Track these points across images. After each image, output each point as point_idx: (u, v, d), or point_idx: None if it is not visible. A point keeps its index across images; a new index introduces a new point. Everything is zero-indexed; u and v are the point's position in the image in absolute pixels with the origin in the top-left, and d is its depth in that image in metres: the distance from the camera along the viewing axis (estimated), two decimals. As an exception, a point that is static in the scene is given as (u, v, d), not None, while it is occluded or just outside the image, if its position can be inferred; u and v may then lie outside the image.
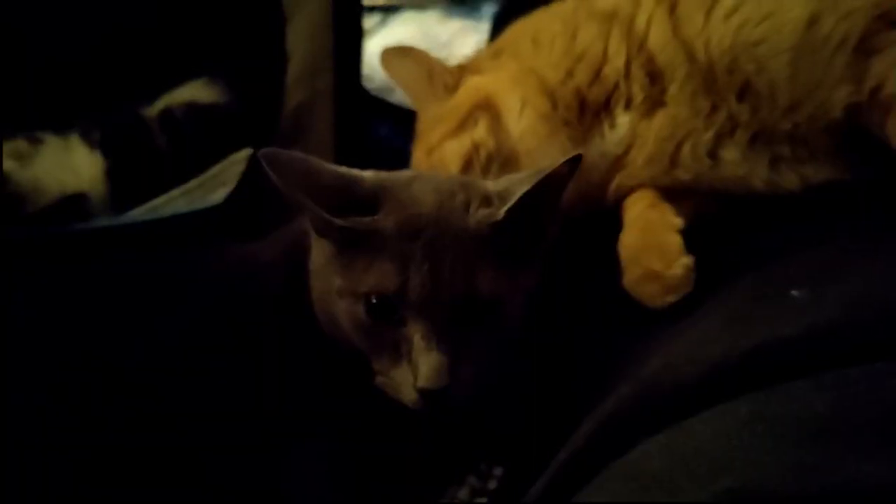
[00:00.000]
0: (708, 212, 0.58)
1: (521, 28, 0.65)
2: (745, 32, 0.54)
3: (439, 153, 0.60)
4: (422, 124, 0.65)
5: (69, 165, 0.65)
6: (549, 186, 0.47)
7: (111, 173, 0.67)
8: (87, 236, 0.64)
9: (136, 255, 0.58)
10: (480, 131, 0.58)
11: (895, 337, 0.38)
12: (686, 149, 0.56)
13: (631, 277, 0.52)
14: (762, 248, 0.51)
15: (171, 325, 0.51)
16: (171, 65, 0.73)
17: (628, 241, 0.55)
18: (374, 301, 0.45)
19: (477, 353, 0.46)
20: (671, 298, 0.50)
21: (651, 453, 0.36)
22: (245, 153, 0.67)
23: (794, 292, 0.43)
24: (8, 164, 0.62)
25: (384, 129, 0.99)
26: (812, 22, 0.53)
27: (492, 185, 0.51)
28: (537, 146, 0.58)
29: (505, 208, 0.46)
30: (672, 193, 0.57)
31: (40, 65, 0.66)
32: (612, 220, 0.59)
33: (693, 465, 0.32)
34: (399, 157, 0.71)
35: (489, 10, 1.79)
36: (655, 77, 0.57)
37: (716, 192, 0.57)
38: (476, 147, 0.58)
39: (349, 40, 0.67)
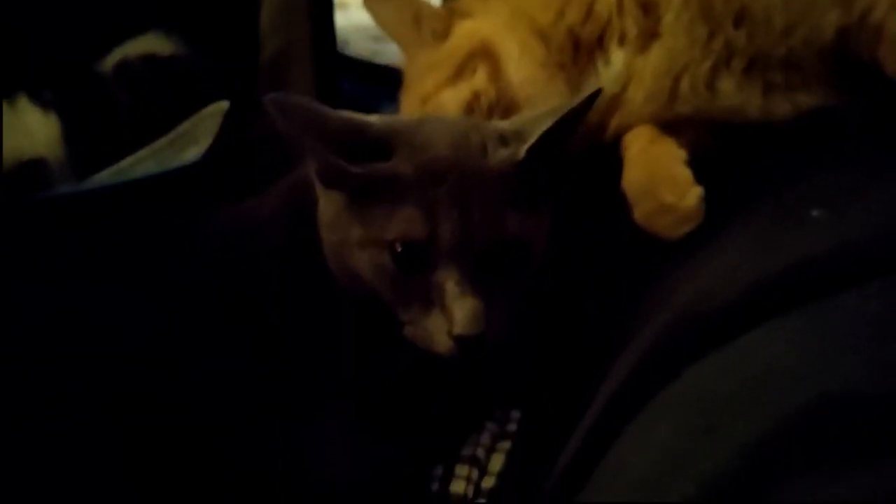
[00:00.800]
0: (705, 143, 0.58)
1: None
2: None
3: (436, 102, 0.57)
4: (411, 71, 0.62)
5: (22, 130, 0.59)
6: (566, 124, 0.46)
7: (68, 135, 0.61)
8: (51, 204, 0.58)
9: (123, 221, 0.53)
10: (480, 80, 0.56)
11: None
12: (684, 81, 0.55)
13: (643, 211, 0.52)
14: (768, 175, 0.52)
15: (175, 292, 0.47)
16: (122, 15, 0.67)
17: (634, 176, 0.54)
18: (400, 249, 0.43)
19: (507, 295, 0.45)
20: (687, 228, 0.50)
21: (709, 376, 0.36)
22: (218, 107, 0.63)
23: (815, 212, 0.44)
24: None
25: (345, 83, 0.95)
26: None
27: (503, 125, 0.49)
28: (536, 92, 0.57)
29: (526, 146, 0.45)
30: (669, 127, 0.57)
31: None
32: (608, 158, 0.59)
33: (768, 380, 0.32)
34: (365, 111, 0.68)
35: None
36: (649, 8, 0.56)
37: (712, 123, 0.57)
38: (477, 96, 0.56)
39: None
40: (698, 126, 0.58)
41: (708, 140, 0.58)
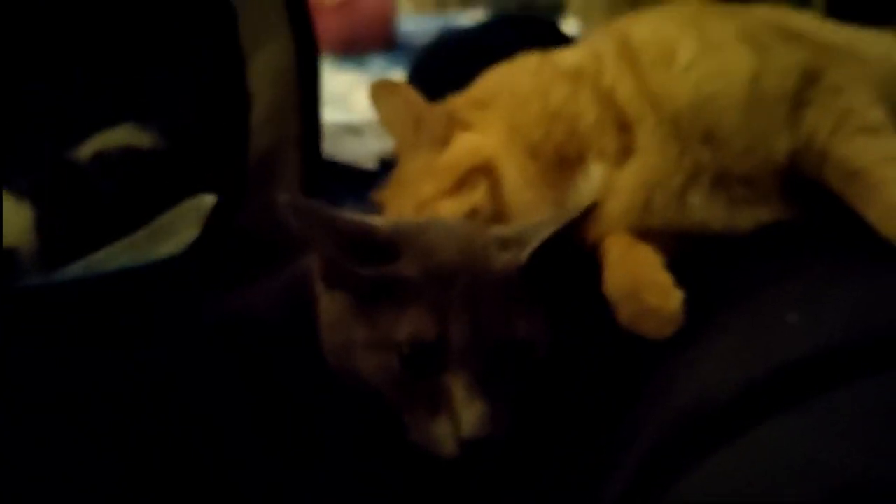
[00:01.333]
0: (674, 251, 0.62)
1: (497, 80, 0.67)
2: (703, 86, 0.60)
3: (433, 209, 0.59)
4: (406, 172, 0.64)
5: (-7, 218, 0.57)
6: (563, 231, 0.49)
7: (42, 224, 0.59)
8: (20, 296, 0.55)
9: (101, 314, 0.51)
10: (480, 197, 0.59)
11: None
12: (658, 195, 0.60)
13: (627, 314, 0.55)
14: (742, 281, 0.56)
15: (172, 392, 0.45)
16: (98, 105, 0.67)
17: (617, 280, 0.57)
18: (409, 351, 0.43)
19: (512, 396, 0.45)
20: (670, 330, 0.52)
21: (720, 476, 0.37)
22: (201, 200, 0.62)
23: (790, 317, 0.48)
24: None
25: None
26: (755, 78, 0.60)
27: (501, 230, 0.52)
28: (527, 208, 0.60)
29: (528, 251, 0.47)
30: (641, 236, 0.61)
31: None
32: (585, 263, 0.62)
33: (782, 477, 0.34)
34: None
35: (377, 63, 1.84)
36: (625, 127, 0.61)
37: (678, 234, 0.62)
38: (475, 210, 0.59)
39: (311, 82, 0.65)
40: (667, 236, 0.62)
41: (676, 249, 0.62)
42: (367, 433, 0.46)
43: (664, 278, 0.55)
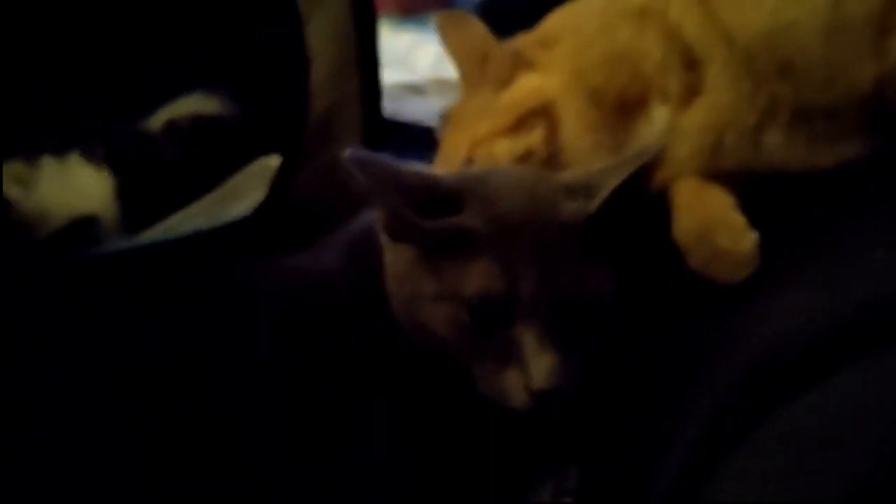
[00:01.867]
0: (749, 191, 0.59)
1: (564, 19, 0.64)
2: (779, 15, 0.56)
3: (487, 147, 0.59)
4: (466, 108, 0.63)
5: (74, 187, 0.60)
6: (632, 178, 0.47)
7: (122, 192, 0.62)
8: (101, 261, 0.58)
9: (176, 276, 0.53)
10: (537, 139, 0.58)
11: None
12: (729, 137, 0.57)
13: (699, 258, 0.53)
14: (821, 217, 0.52)
15: (241, 352, 0.47)
16: (170, 76, 0.69)
17: (687, 224, 0.55)
18: (478, 304, 0.43)
19: (580, 348, 0.45)
20: (745, 272, 0.50)
21: (806, 419, 0.36)
22: (265, 162, 0.64)
23: (879, 253, 0.45)
24: (9, 190, 0.57)
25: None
26: (836, 3, 0.55)
27: (567, 177, 0.51)
28: (584, 155, 0.58)
29: (597, 201, 0.46)
30: (714, 178, 0.58)
31: (32, 80, 0.61)
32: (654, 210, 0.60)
33: (870, 420, 0.32)
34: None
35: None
36: (693, 66, 0.58)
37: (753, 175, 0.58)
38: (530, 152, 0.58)
39: (370, 41, 0.65)
40: (741, 178, 0.59)
41: (751, 189, 0.59)
42: (433, 390, 0.46)
43: (737, 219, 0.53)
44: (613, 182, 0.46)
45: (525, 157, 0.58)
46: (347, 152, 0.43)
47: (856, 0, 0.56)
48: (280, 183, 0.61)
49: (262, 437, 0.46)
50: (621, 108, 0.59)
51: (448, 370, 0.45)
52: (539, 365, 0.41)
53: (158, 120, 0.68)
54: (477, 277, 0.43)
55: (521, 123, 0.58)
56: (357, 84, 0.62)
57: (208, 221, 0.63)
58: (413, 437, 0.48)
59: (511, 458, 0.52)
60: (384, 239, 0.48)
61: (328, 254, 0.53)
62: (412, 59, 1.51)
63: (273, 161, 0.62)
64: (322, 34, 0.62)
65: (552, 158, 0.58)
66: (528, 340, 0.42)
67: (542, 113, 0.59)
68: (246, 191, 0.64)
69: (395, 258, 0.47)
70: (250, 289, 0.51)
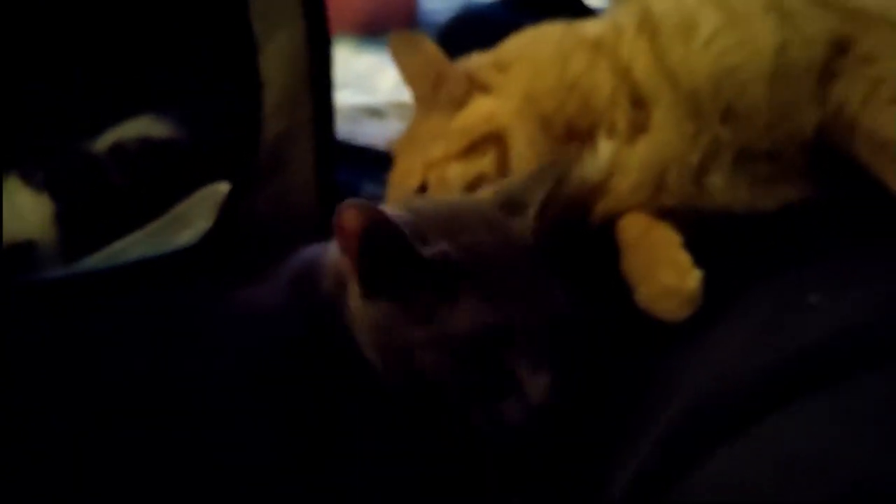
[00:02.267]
0: (691, 232, 0.60)
1: (520, 44, 0.65)
2: (725, 60, 0.57)
3: (440, 171, 0.59)
4: (420, 129, 0.64)
5: (12, 211, 0.58)
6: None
7: (62, 217, 0.60)
8: (39, 288, 0.56)
9: (117, 306, 0.51)
10: (487, 164, 0.59)
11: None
12: (672, 174, 0.58)
13: (646, 294, 0.53)
14: (762, 261, 0.54)
15: (188, 386, 0.45)
16: (118, 97, 0.67)
17: (635, 260, 0.56)
18: (473, 341, 0.42)
19: (567, 368, 0.45)
20: (688, 311, 0.51)
21: (735, 465, 0.36)
22: (215, 188, 0.62)
23: (812, 298, 0.46)
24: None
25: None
26: (781, 49, 0.57)
27: (488, 195, 0.52)
28: None
29: (531, 212, 0.47)
30: (660, 215, 0.59)
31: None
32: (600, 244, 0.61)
33: (797, 469, 0.33)
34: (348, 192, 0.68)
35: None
36: (640, 104, 0.59)
37: (698, 213, 0.60)
38: (481, 177, 0.58)
39: (324, 68, 0.65)
40: (686, 216, 0.60)
41: (697, 229, 0.61)
42: (394, 428, 0.46)
43: (682, 257, 0.54)
44: (539, 194, 0.48)
45: (476, 182, 0.58)
46: (346, 203, 0.42)
47: (799, 47, 0.57)
48: (229, 210, 0.59)
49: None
50: (569, 136, 0.60)
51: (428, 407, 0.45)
52: (535, 383, 0.42)
53: (105, 142, 0.66)
54: (469, 314, 0.42)
55: (473, 148, 0.59)
56: (310, 111, 0.62)
57: (154, 248, 0.61)
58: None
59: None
60: (354, 297, 0.46)
61: (273, 290, 0.51)
62: (372, 81, 1.50)
63: (222, 187, 0.61)
64: (275, 61, 0.62)
65: (501, 182, 0.59)
66: (523, 364, 0.43)
67: (494, 138, 0.59)
68: (194, 218, 0.63)
69: (371, 312, 0.45)
70: (194, 320, 0.50)
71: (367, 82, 1.48)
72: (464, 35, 1.25)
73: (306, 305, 0.48)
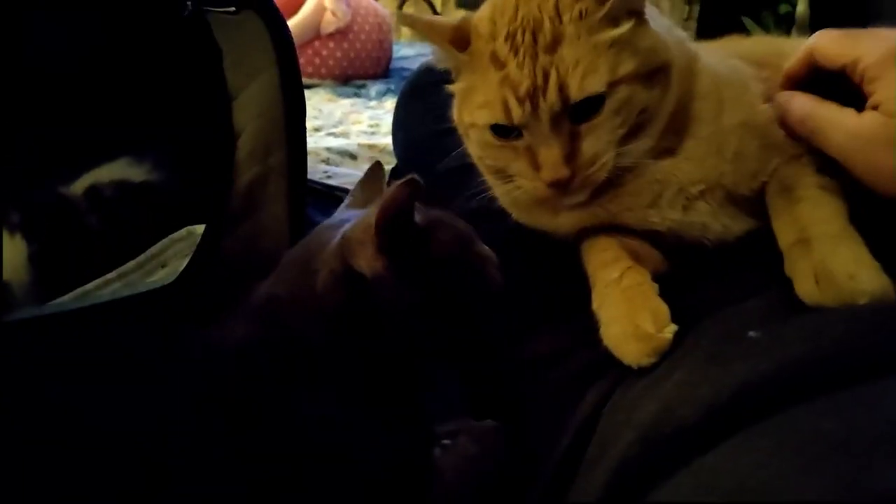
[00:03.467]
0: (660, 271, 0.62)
1: None
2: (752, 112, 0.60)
3: None
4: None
5: (-15, 252, 0.59)
6: None
7: (36, 259, 0.60)
8: (10, 328, 0.57)
9: (88, 344, 0.52)
10: None
11: (855, 365, 0.43)
12: (669, 195, 0.58)
13: (615, 333, 0.53)
14: (710, 296, 0.56)
15: (154, 428, 0.46)
16: (96, 141, 0.69)
17: (611, 298, 0.56)
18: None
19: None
20: (653, 360, 0.51)
21: (681, 496, 0.38)
22: (189, 231, 0.64)
23: (752, 333, 0.48)
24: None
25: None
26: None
27: None
28: None
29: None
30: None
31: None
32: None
33: (741, 499, 0.35)
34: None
35: (377, 89, 1.87)
36: (679, 132, 0.59)
37: (671, 241, 0.61)
38: None
39: (297, 115, 0.67)
40: (660, 241, 0.61)
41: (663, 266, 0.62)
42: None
43: (662, 308, 0.53)
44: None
45: None
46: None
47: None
48: (203, 252, 0.61)
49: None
50: None
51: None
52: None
53: (82, 184, 0.68)
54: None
55: None
56: (283, 157, 0.64)
57: (127, 289, 0.62)
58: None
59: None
60: (368, 259, 0.54)
61: (237, 327, 0.53)
62: (347, 125, 1.54)
63: (197, 231, 0.63)
64: (249, 110, 0.64)
65: None
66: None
67: None
68: (167, 259, 0.64)
69: (388, 260, 0.55)
70: (165, 358, 0.51)
71: (342, 126, 1.52)
72: (432, 82, 1.29)
73: (271, 337, 0.51)
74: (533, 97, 0.51)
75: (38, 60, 0.70)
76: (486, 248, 0.61)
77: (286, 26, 0.70)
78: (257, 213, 0.63)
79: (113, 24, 0.73)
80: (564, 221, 0.60)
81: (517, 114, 0.52)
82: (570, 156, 0.52)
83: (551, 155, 0.52)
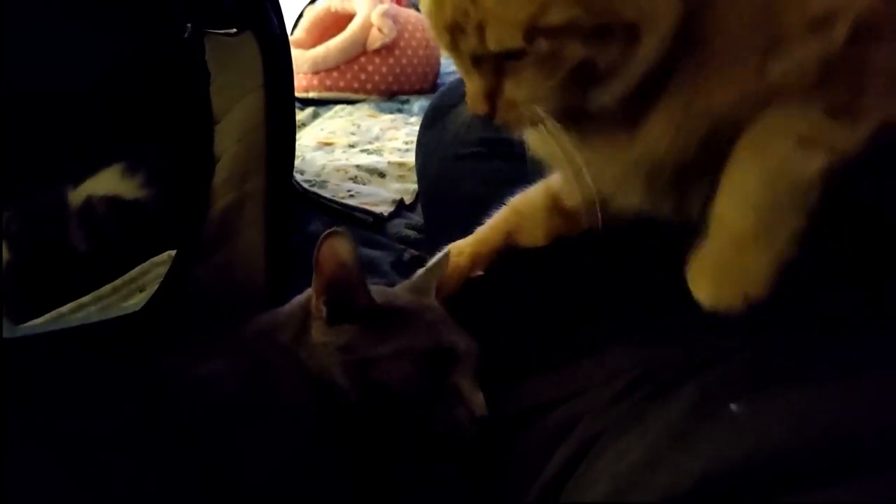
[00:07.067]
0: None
1: None
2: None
3: None
4: None
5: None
6: None
7: (13, 268, 0.61)
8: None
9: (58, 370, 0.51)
10: None
11: (842, 458, 0.37)
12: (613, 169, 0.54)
13: None
14: (693, 360, 0.51)
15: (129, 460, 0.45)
16: (93, 146, 0.69)
17: None
18: (429, 354, 0.52)
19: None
20: None
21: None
22: (168, 255, 0.63)
23: (733, 406, 0.43)
24: None
25: (315, 224, 0.96)
26: None
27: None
28: None
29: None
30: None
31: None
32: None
33: None
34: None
35: (420, 104, 1.85)
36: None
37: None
38: None
39: (282, 140, 0.65)
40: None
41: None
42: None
43: None
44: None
45: None
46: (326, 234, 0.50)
47: None
48: (173, 278, 0.60)
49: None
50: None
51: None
52: (477, 397, 0.52)
53: (80, 195, 0.68)
54: (424, 333, 0.53)
55: None
56: (262, 183, 0.62)
57: (101, 313, 0.62)
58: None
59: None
60: (318, 331, 0.53)
61: (218, 354, 0.51)
62: (385, 139, 1.53)
63: (167, 255, 0.62)
64: (230, 135, 0.63)
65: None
66: (466, 383, 0.52)
67: None
68: (146, 283, 0.63)
69: (337, 336, 0.52)
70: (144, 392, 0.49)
71: (377, 143, 1.50)
72: (450, 105, 1.27)
73: (251, 370, 0.51)
74: (453, 32, 0.46)
75: (51, 80, 0.71)
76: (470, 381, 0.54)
77: (284, 49, 0.69)
78: (232, 241, 0.61)
79: (123, 45, 0.74)
80: None
81: (441, 44, 0.49)
82: (493, 94, 0.48)
83: (472, 88, 0.49)
